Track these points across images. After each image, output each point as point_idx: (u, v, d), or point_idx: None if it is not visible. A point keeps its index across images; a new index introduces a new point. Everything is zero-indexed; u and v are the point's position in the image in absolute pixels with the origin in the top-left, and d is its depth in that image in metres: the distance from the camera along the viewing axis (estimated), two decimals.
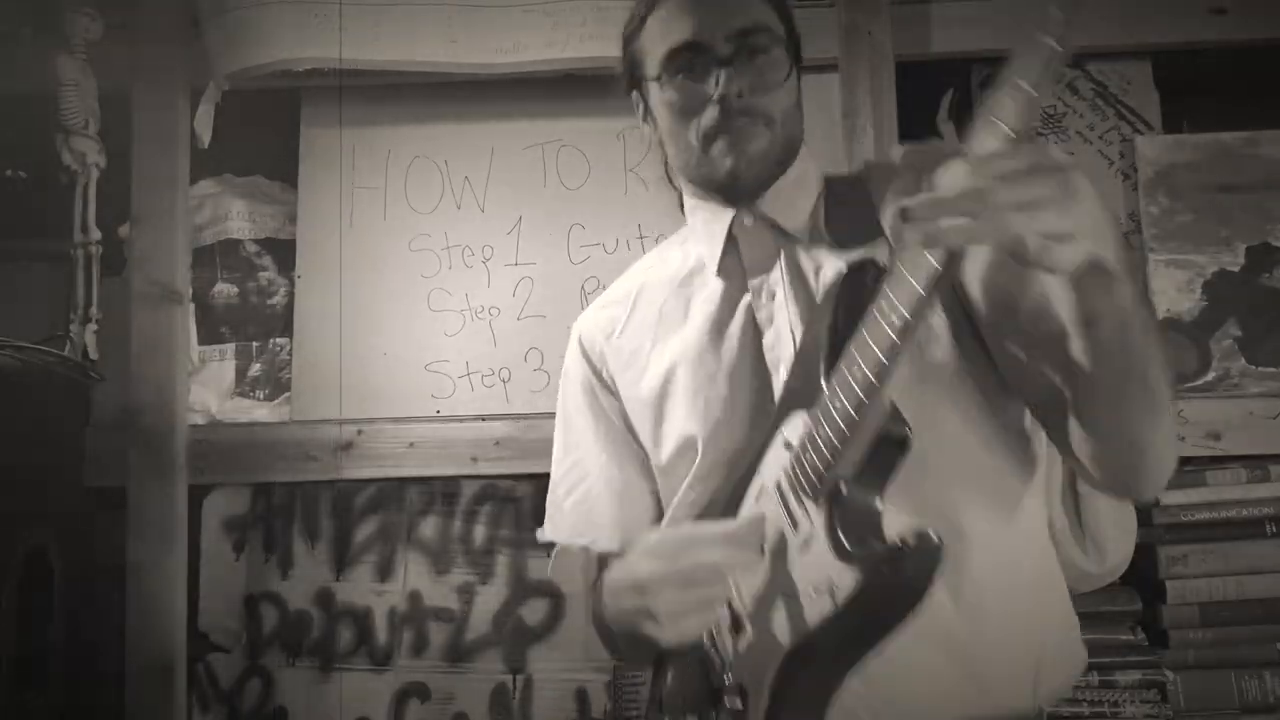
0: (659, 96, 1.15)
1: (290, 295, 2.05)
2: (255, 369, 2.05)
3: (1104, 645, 1.78)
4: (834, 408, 0.93)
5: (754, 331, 1.15)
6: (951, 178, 0.76)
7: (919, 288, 0.81)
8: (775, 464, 1.04)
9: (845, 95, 1.92)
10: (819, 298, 1.10)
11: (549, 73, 1.95)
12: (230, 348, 2.06)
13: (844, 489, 0.94)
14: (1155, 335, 0.90)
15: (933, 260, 0.80)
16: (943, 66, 2.08)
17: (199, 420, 1.99)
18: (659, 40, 1.13)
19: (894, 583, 0.88)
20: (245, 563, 1.99)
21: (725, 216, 1.18)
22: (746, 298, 1.16)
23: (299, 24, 1.92)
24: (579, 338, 1.29)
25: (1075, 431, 0.99)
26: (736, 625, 1.05)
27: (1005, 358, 1.05)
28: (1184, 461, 1.84)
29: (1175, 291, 1.93)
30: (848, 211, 1.16)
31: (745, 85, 1.10)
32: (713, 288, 1.19)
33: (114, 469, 1.91)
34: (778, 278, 1.15)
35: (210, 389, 2.03)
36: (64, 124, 1.89)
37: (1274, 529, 1.79)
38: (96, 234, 1.91)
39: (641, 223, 2.01)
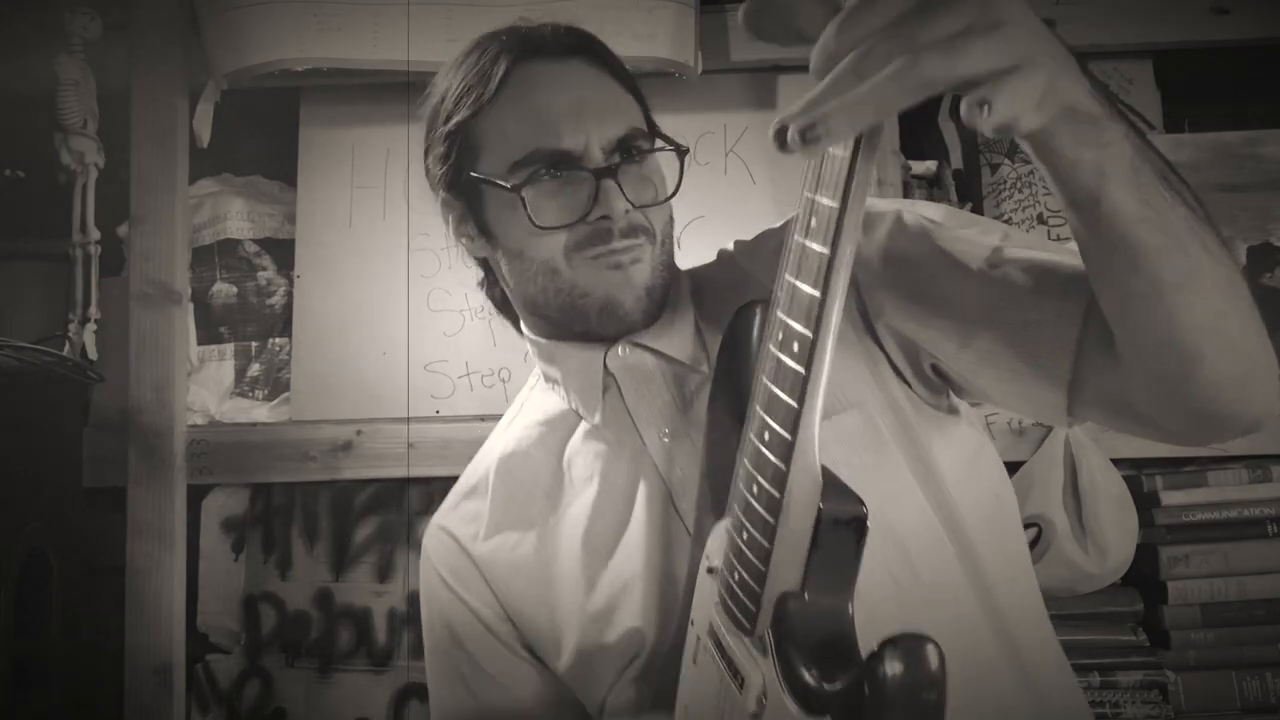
0: (503, 204, 0.91)
1: (289, 295, 2.04)
2: (254, 369, 2.04)
3: (1105, 646, 1.77)
4: (751, 494, 0.68)
5: (662, 494, 0.93)
6: (820, 57, 0.54)
7: (812, 290, 0.61)
8: (705, 602, 0.78)
9: None
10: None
11: None
12: (229, 348, 2.05)
13: (791, 605, 0.67)
14: (1180, 183, 0.68)
15: (821, 248, 0.60)
16: None
17: (198, 420, 1.98)
18: (512, 138, 0.90)
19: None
20: (244, 563, 1.99)
21: (594, 353, 0.95)
22: (645, 453, 0.95)
23: (299, 24, 1.92)
24: (436, 573, 0.99)
25: (1130, 379, 0.75)
26: None
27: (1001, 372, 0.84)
28: (1185, 461, 1.84)
29: None
30: (723, 301, 0.90)
31: (632, 201, 0.89)
32: (595, 447, 0.97)
33: (113, 469, 1.91)
34: (679, 420, 0.93)
35: (209, 389, 2.02)
36: (63, 124, 1.88)
37: (1275, 529, 1.78)
38: (95, 234, 1.91)
39: None
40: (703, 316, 0.98)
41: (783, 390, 0.64)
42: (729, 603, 0.72)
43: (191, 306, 2.02)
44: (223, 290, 2.07)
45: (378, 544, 1.96)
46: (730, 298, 0.86)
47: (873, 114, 0.53)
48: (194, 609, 1.95)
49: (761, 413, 0.67)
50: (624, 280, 0.90)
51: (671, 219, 0.98)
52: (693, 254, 1.99)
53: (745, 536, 0.69)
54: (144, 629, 1.86)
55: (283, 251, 2.07)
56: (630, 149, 0.91)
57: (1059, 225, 2.01)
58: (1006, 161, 2.05)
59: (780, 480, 0.65)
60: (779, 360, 0.65)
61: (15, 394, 1.76)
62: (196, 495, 1.97)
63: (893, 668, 0.59)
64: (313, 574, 1.97)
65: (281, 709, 1.94)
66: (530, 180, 0.89)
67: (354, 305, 2.00)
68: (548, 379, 1.02)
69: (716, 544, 0.77)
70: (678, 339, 0.96)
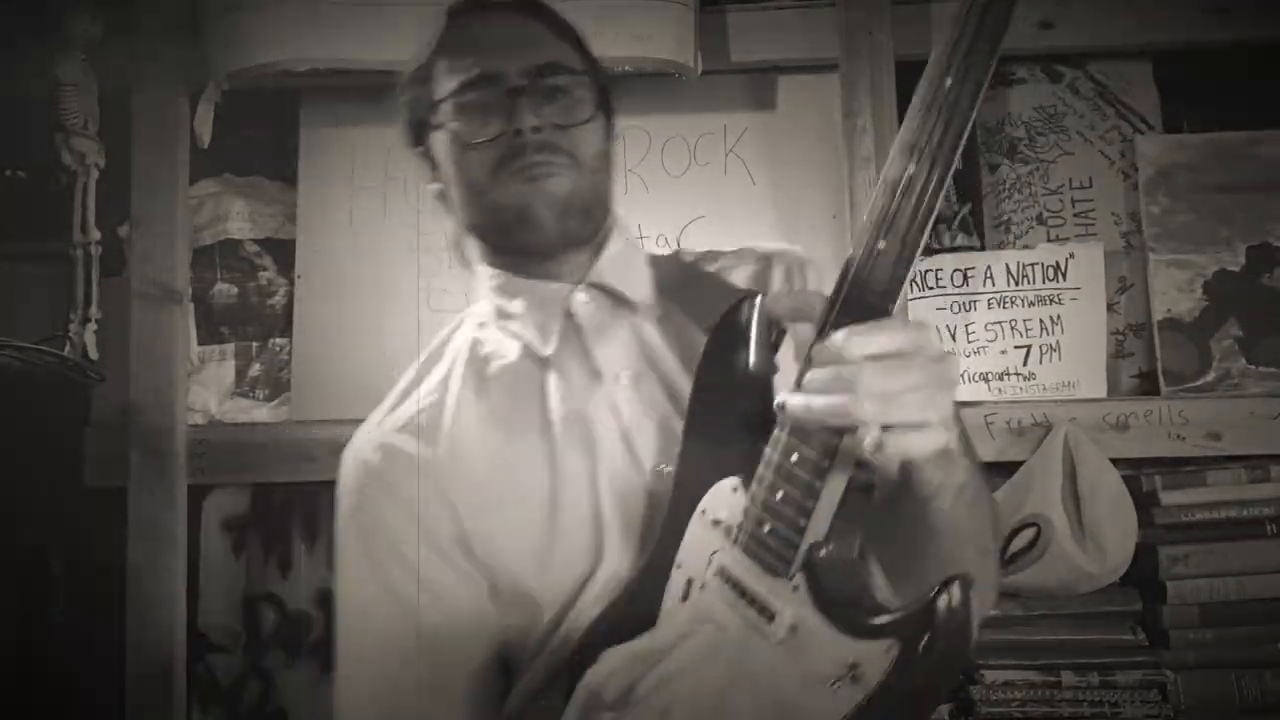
0: (443, 136, 1.00)
1: (290, 295, 2.04)
2: (255, 369, 2.05)
3: (1104, 645, 1.77)
4: (791, 461, 0.78)
5: (616, 430, 0.98)
6: (825, 355, 0.74)
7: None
8: (700, 549, 0.85)
9: (845, 95, 1.92)
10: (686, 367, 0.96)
11: None
12: (230, 348, 2.05)
13: (822, 554, 0.78)
14: (986, 503, 0.91)
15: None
16: None
17: (199, 420, 1.99)
18: (445, 77, 1.00)
19: (937, 642, 0.72)
20: (245, 563, 1.99)
21: (554, 292, 1.01)
22: (598, 392, 0.99)
23: (299, 24, 1.92)
24: (384, 485, 1.04)
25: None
26: None
27: None
28: (1184, 462, 1.84)
29: (1176, 291, 1.93)
30: (694, 289, 1.03)
31: (544, 120, 0.96)
32: (550, 382, 1.01)
33: (114, 469, 1.91)
34: (639, 361, 1.00)
35: (210, 389, 2.03)
36: (63, 124, 1.88)
37: (1274, 529, 1.78)
38: (96, 234, 1.91)
39: (641, 223, 2.00)
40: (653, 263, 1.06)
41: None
42: (758, 551, 0.80)
43: (192, 306, 2.03)
44: (223, 290, 2.07)
45: None
46: (689, 291, 1.01)
47: (836, 420, 0.73)
48: (194, 609, 1.95)
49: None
50: (535, 191, 0.96)
51: (605, 156, 1.03)
52: None
53: (781, 495, 0.78)
54: (144, 629, 1.86)
55: (283, 252, 2.07)
56: (550, 81, 0.98)
57: (1058, 225, 2.01)
58: (1006, 161, 2.05)
59: (830, 451, 0.76)
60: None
61: (16, 394, 1.77)
62: (196, 495, 1.97)
63: (941, 587, 0.72)
64: (313, 574, 1.96)
65: (282, 709, 1.94)
66: (458, 111, 0.98)
67: (354, 305, 2.00)
68: (501, 315, 1.05)
69: (720, 500, 0.85)
70: (637, 283, 1.03)
